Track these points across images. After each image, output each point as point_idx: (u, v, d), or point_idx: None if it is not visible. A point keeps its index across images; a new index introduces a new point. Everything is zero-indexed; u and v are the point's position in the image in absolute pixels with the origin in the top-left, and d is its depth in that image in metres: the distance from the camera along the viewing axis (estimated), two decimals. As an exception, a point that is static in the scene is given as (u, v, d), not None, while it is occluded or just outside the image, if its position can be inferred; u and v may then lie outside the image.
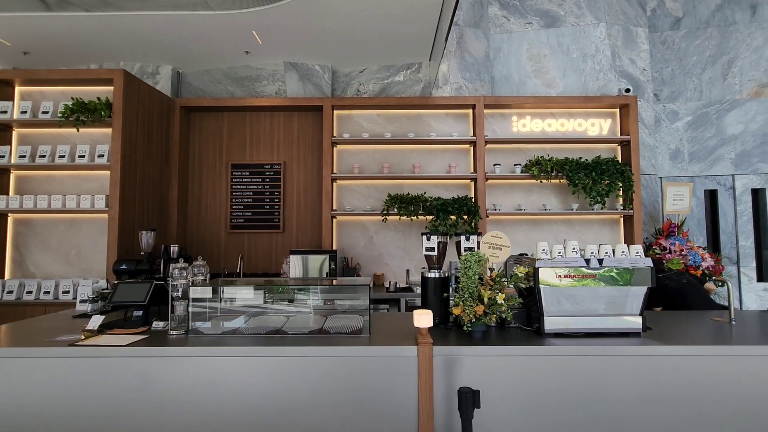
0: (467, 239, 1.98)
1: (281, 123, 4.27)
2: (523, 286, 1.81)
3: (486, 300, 1.71)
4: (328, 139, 4.00)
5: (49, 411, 1.58)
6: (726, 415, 1.56)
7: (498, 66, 4.37)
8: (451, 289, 1.92)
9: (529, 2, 4.42)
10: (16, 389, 1.59)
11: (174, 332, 1.84)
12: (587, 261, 1.76)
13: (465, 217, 3.80)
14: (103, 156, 3.35)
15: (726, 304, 2.40)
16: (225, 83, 4.48)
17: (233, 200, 4.20)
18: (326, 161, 3.99)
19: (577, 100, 4.06)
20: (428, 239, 2.00)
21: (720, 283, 3.38)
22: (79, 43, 3.99)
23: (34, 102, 3.49)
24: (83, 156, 3.38)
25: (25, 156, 3.39)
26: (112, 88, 3.40)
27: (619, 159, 4.13)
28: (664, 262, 3.60)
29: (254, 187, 4.20)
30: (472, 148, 4.13)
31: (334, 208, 4.07)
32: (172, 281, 1.91)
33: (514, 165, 4.04)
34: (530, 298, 1.85)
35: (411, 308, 3.35)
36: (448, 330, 1.88)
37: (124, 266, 3.00)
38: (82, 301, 2.54)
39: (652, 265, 1.74)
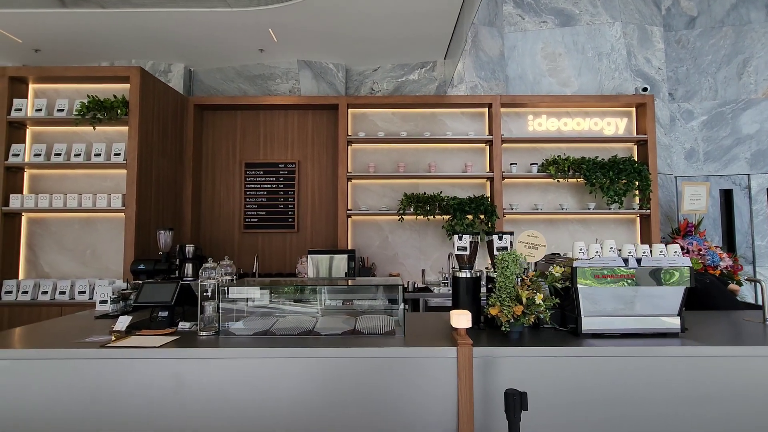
0: (500, 239, 1.95)
1: (295, 121, 4.24)
2: (559, 286, 1.79)
3: (524, 300, 1.68)
4: (344, 137, 3.97)
5: (81, 412, 1.55)
6: (772, 416, 1.53)
7: (512, 65, 4.35)
8: (485, 288, 1.89)
9: (544, 1, 4.39)
10: (48, 391, 1.56)
11: (204, 333, 1.81)
12: (625, 261, 1.73)
13: (482, 216, 3.78)
14: (119, 154, 3.31)
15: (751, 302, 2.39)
16: (237, 81, 4.44)
17: (247, 199, 4.17)
18: (341, 160, 3.96)
19: (594, 99, 4.04)
20: (460, 239, 1.97)
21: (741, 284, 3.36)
22: (91, 40, 3.96)
23: (49, 100, 3.45)
24: (99, 154, 3.34)
25: (40, 154, 3.35)
26: (126, 85, 3.37)
27: (635, 158, 4.11)
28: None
29: (268, 186, 4.17)
30: (487, 147, 4.11)
31: (349, 207, 4.04)
32: (201, 281, 1.88)
33: (531, 164, 4.02)
34: (564, 297, 1.82)
35: (430, 309, 3.33)
36: (480, 330, 1.85)
37: (142, 266, 2.98)
38: (102, 302, 2.51)
39: (690, 265, 1.72)
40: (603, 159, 3.93)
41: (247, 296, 2.03)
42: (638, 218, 4.12)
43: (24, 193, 3.49)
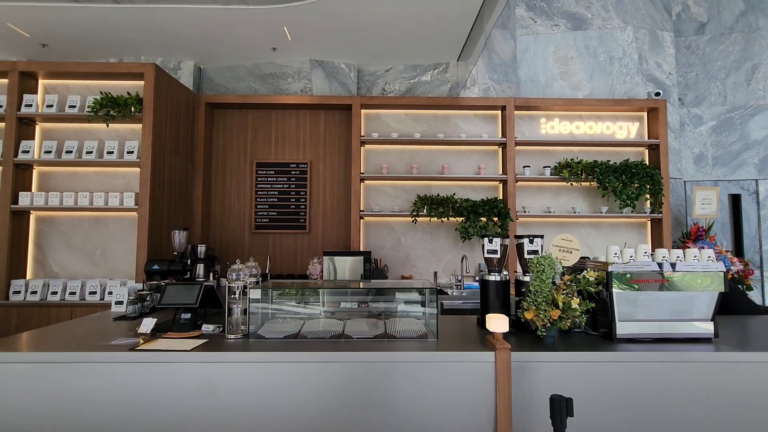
0: (531, 242, 1.94)
1: (307, 121, 4.20)
2: (593, 290, 1.78)
3: (561, 304, 1.67)
4: (357, 138, 3.94)
5: (110, 418, 1.51)
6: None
7: (524, 67, 4.35)
8: (515, 292, 1.88)
9: (556, 4, 4.40)
10: (76, 395, 1.51)
11: (232, 336, 1.78)
12: (660, 265, 1.73)
13: (495, 219, 3.77)
14: (132, 152, 3.25)
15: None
16: (248, 80, 4.40)
17: (258, 200, 4.13)
18: (354, 161, 3.93)
19: (606, 103, 4.05)
20: (490, 242, 1.95)
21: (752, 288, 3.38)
22: (100, 36, 3.89)
23: (60, 96, 3.39)
24: (111, 152, 3.28)
25: (50, 151, 3.29)
26: (138, 82, 3.32)
27: (647, 162, 4.13)
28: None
29: (279, 186, 4.12)
30: (500, 149, 4.10)
31: (362, 208, 4.02)
32: (228, 283, 1.85)
33: (543, 167, 4.02)
34: (597, 302, 1.81)
35: (445, 311, 3.31)
36: (510, 334, 1.84)
37: (156, 267, 2.92)
38: (118, 303, 2.46)
39: (725, 270, 1.72)
40: (615, 163, 3.95)
41: (274, 298, 2.00)
42: (649, 222, 4.14)
43: (33, 190, 3.42)
